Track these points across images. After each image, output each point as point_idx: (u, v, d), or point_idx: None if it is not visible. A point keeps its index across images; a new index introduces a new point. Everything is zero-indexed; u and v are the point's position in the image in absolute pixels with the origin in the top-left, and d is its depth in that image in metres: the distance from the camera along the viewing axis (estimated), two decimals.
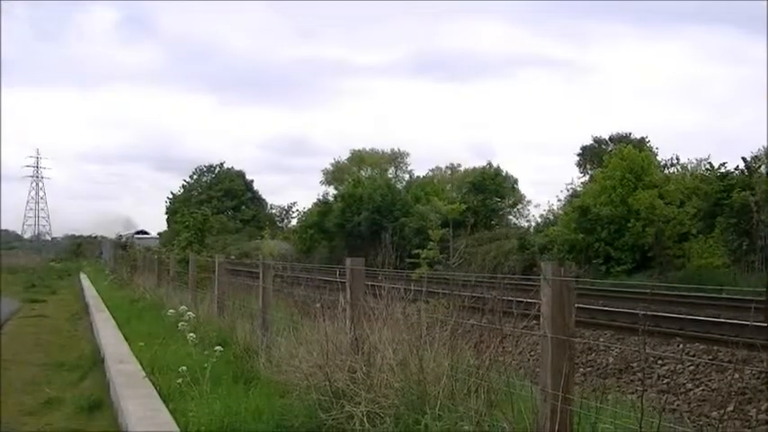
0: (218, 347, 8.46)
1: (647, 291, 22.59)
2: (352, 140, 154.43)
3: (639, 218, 36.34)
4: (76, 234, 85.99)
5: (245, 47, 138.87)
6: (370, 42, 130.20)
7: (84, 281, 33.15)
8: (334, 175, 76.96)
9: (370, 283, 7.33)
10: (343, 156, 79.95)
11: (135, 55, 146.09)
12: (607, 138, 59.79)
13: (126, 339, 12.33)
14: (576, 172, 64.25)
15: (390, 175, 74.10)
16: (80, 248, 71.92)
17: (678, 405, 10.74)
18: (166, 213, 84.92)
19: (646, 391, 10.87)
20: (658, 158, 48.97)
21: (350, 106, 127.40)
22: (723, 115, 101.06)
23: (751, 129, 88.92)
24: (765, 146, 36.92)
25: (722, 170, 35.95)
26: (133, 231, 68.65)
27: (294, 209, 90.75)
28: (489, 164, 67.30)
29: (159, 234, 74.80)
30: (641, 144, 51.32)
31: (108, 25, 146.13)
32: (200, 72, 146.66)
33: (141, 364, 9.56)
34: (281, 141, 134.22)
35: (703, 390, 11.27)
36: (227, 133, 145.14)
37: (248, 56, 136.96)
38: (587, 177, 55.81)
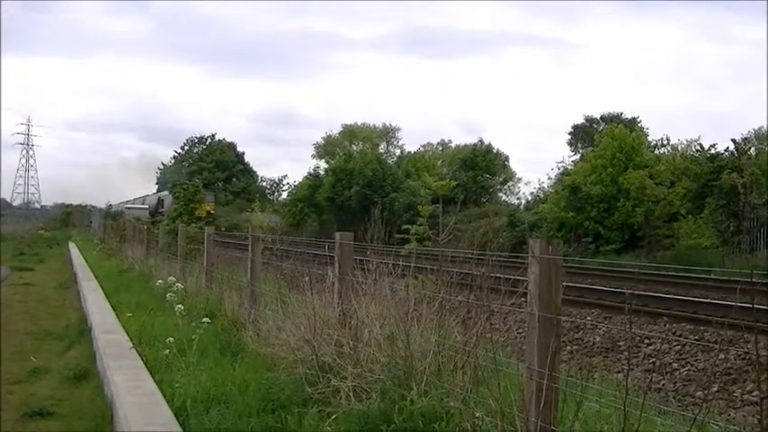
0: (205, 319, 8.46)
1: (636, 270, 22.69)
2: (342, 114, 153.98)
3: (629, 197, 36.45)
4: (67, 203, 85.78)
5: (235, 18, 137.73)
6: (361, 17, 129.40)
7: (73, 250, 33.06)
8: (326, 148, 76.80)
9: (358, 257, 7.32)
10: (334, 129, 79.85)
11: (124, 24, 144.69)
12: (598, 117, 59.90)
13: (114, 310, 12.31)
14: (566, 150, 64.46)
15: (381, 150, 73.97)
16: (69, 217, 71.66)
17: (664, 384, 10.80)
18: (157, 184, 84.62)
19: (632, 370, 10.96)
20: (649, 139, 49.19)
21: (340, 80, 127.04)
22: (713, 95, 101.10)
23: (741, 109, 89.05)
24: (755, 129, 36.94)
25: (712, 151, 35.99)
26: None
27: (285, 182, 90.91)
28: (480, 141, 67.43)
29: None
30: (632, 124, 51.44)
31: None
32: (188, 43, 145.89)
33: (128, 335, 9.56)
34: (271, 113, 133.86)
35: (689, 370, 11.34)
36: (215, 104, 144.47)
37: (238, 27, 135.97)
38: (578, 156, 55.89)
